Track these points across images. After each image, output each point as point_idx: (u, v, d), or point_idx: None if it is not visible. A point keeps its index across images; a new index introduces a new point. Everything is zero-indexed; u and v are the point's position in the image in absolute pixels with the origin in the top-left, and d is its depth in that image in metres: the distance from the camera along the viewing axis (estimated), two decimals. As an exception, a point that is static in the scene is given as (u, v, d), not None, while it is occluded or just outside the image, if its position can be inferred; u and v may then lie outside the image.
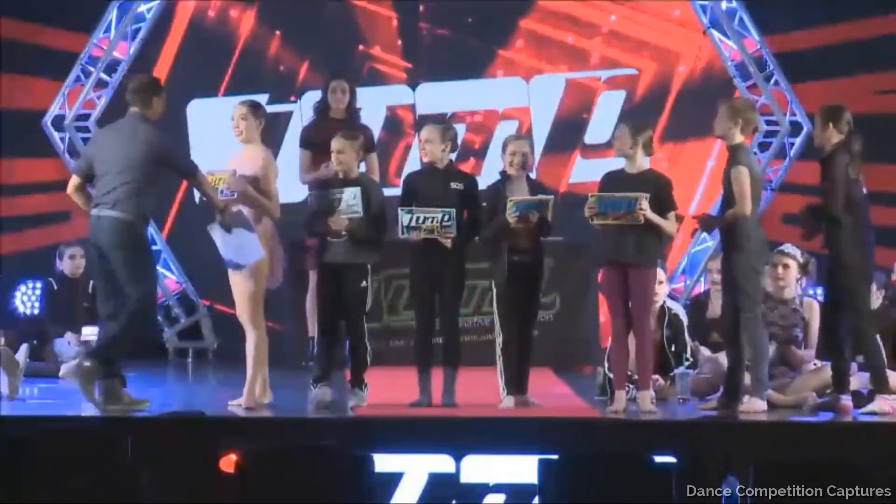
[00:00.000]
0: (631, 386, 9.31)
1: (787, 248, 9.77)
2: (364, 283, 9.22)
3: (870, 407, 8.84)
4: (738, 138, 9.00)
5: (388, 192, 11.04)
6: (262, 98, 13.73)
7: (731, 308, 8.97)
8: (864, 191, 9.02)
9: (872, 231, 9.04)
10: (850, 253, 8.88)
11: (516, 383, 9.15)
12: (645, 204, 8.84)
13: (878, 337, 9.06)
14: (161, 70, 13.95)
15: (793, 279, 9.74)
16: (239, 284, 9.12)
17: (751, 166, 8.97)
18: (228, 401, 9.11)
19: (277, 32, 13.97)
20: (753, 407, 8.87)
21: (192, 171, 9.08)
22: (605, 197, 8.95)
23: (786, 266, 9.67)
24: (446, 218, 9.10)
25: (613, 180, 9.09)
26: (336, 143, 9.20)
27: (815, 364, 9.61)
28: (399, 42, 13.96)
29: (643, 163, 9.06)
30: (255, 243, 8.98)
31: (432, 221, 9.12)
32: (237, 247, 9.00)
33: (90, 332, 12.46)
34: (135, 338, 8.99)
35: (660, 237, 9.10)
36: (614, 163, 9.41)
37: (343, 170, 9.20)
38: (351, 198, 9.09)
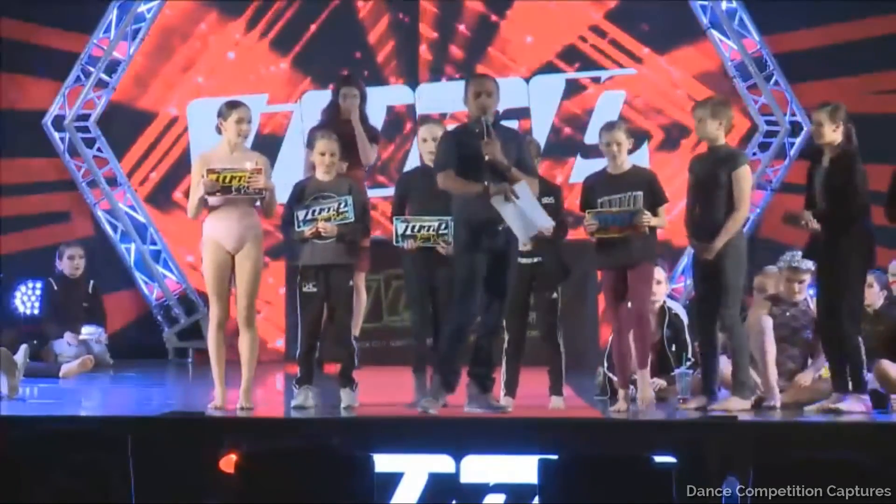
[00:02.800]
0: (631, 386, 9.30)
1: (800, 261, 9.39)
2: (351, 283, 9.17)
3: (837, 405, 8.81)
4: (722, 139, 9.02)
5: (388, 192, 11.05)
6: (261, 99, 13.79)
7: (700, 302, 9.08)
8: None
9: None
10: (859, 256, 8.79)
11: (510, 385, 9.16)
12: (646, 216, 8.83)
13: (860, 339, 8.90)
14: (161, 70, 13.98)
15: (805, 287, 9.64)
16: (251, 281, 9.00)
17: None
18: (209, 404, 9.03)
19: (277, 35, 14.00)
20: (730, 405, 8.85)
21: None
22: (604, 212, 8.90)
23: (801, 281, 9.54)
24: (443, 226, 8.93)
25: (600, 184, 9.04)
26: (325, 146, 9.13)
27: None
28: (399, 42, 13.97)
29: (627, 161, 9.05)
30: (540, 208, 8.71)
31: (428, 230, 8.99)
32: (531, 215, 8.64)
33: (89, 332, 12.51)
34: None
35: (655, 234, 9.11)
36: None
37: (330, 170, 9.13)
38: (343, 205, 8.99)
